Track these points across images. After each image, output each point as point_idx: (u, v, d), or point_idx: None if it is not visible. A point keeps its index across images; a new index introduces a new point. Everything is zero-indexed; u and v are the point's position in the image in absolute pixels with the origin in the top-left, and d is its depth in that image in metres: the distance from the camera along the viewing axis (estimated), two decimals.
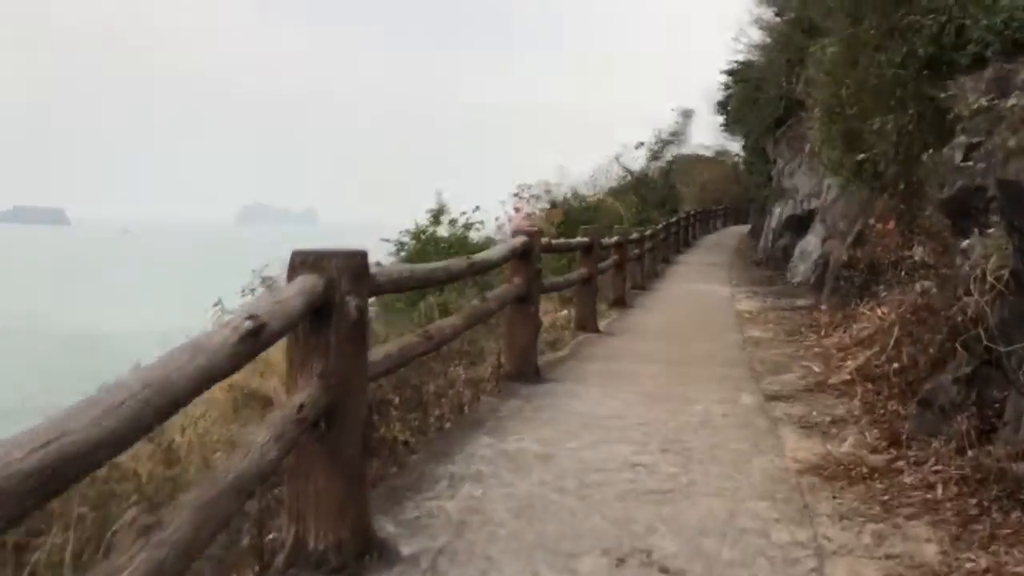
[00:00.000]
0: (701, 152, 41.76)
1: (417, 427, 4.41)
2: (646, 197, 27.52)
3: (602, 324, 9.61)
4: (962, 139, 6.04)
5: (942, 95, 8.07)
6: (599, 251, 9.41)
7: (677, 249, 23.94)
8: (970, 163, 5.86)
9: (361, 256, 2.83)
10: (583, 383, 5.99)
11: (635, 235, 14.47)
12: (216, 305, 10.09)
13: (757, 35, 25.32)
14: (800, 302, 13.23)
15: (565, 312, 9.29)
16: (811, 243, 16.18)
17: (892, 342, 6.03)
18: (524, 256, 5.94)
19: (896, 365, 5.57)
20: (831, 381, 5.96)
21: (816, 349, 7.75)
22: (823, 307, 11.82)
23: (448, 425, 4.65)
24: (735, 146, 40.50)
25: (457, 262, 4.60)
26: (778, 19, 21.77)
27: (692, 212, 29.34)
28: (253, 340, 2.07)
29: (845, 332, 8.27)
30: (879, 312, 8.08)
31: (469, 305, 5.20)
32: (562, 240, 7.58)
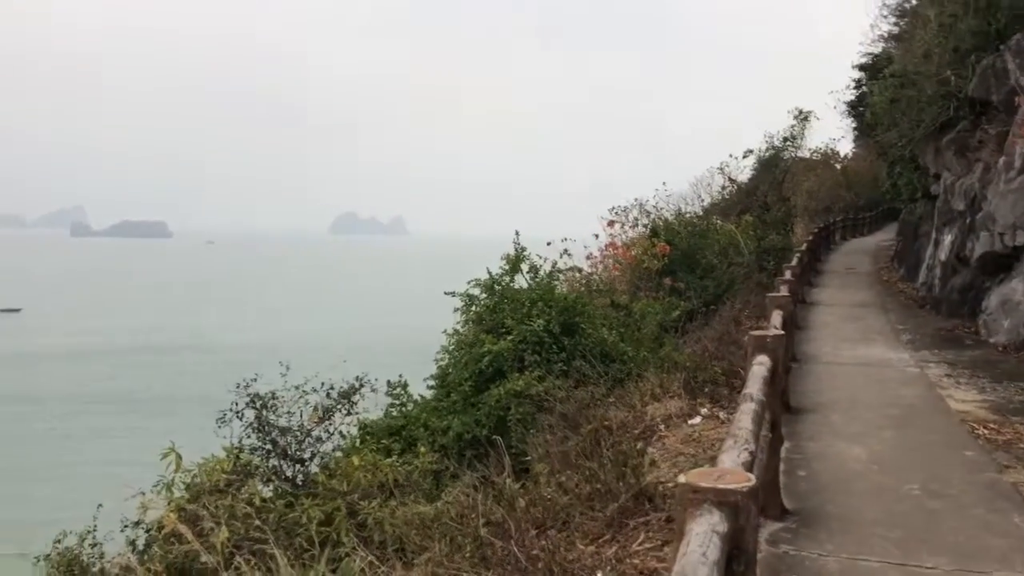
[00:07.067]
0: (806, 156, 37.33)
1: None
2: (763, 217, 23.49)
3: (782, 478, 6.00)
4: None
5: None
6: (784, 368, 5.80)
7: (809, 281, 19.89)
8: None
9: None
10: None
11: (785, 289, 10.73)
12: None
13: (892, 24, 21.08)
14: None
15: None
16: (1019, 291, 12.12)
17: None
18: None
19: None
20: None
21: None
22: None
23: None
24: (845, 146, 36.06)
25: None
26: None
27: (816, 232, 25.07)
28: None
29: None
30: None
31: None
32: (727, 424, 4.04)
